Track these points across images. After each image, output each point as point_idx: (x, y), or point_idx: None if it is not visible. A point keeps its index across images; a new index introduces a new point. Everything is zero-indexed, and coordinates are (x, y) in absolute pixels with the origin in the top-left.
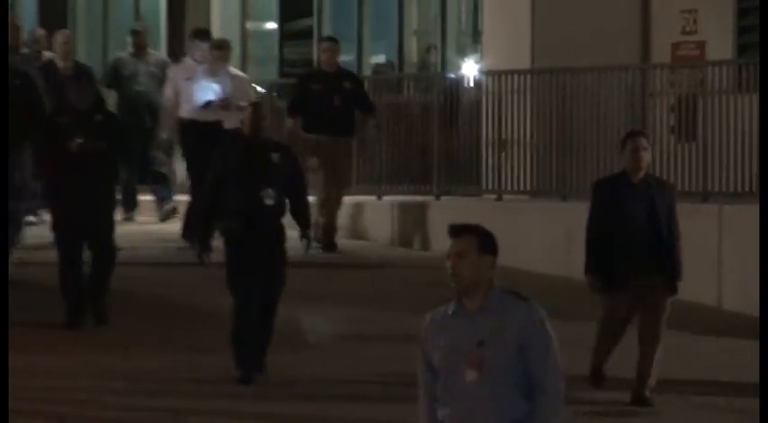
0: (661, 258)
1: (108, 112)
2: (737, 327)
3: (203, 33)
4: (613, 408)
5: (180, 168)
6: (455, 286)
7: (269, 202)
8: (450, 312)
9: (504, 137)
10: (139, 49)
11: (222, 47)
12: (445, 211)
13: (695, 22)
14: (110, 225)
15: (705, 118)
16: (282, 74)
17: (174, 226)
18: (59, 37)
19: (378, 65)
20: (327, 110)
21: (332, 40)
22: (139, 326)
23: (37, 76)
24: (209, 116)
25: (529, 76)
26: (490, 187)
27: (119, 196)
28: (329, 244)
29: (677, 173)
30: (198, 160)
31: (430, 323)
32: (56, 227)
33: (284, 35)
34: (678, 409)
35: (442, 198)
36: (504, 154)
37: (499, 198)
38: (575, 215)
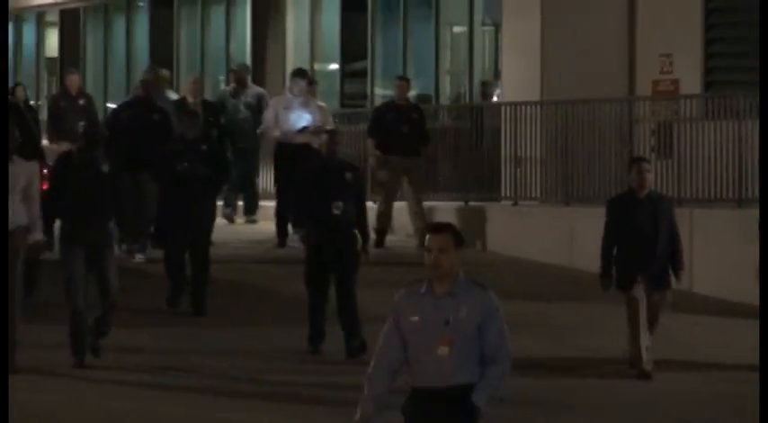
0: (663, 259)
1: (212, 143)
2: (708, 307)
3: (301, 72)
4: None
5: (263, 181)
6: (434, 274)
7: (337, 211)
8: (421, 293)
9: (519, 154)
10: (239, 85)
11: (313, 83)
12: (476, 216)
13: (671, 64)
14: (207, 233)
15: (679, 140)
16: (343, 105)
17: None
18: (190, 78)
19: (418, 98)
20: (397, 135)
21: (403, 78)
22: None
23: (172, 112)
24: (301, 139)
25: (539, 107)
26: (508, 195)
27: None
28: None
29: (657, 183)
30: (287, 175)
31: (404, 298)
32: (164, 235)
33: (344, 74)
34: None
35: (470, 203)
36: (518, 168)
37: (515, 203)
38: (575, 217)
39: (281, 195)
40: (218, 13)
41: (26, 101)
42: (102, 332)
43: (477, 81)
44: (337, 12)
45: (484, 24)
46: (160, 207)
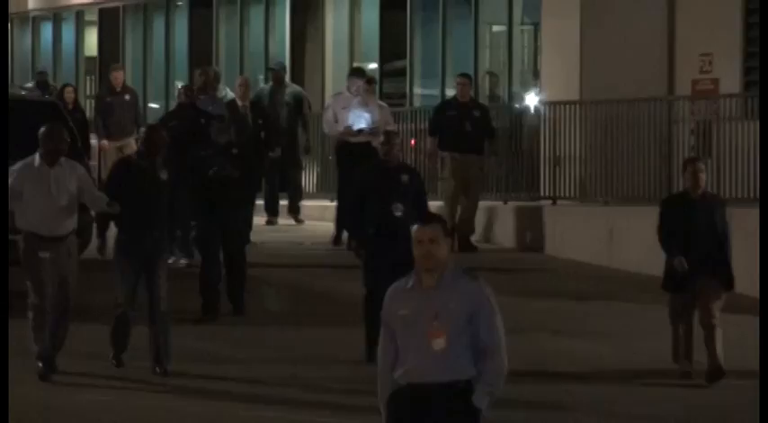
0: (718, 259)
1: (241, 147)
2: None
3: (359, 71)
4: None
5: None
6: (427, 265)
7: (398, 213)
8: (409, 286)
9: (557, 154)
10: (277, 83)
11: (372, 82)
12: (517, 214)
13: (711, 63)
14: (242, 235)
15: (719, 139)
16: None
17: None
18: (238, 80)
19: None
20: (459, 133)
21: (465, 76)
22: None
23: (224, 115)
24: (360, 138)
25: (578, 106)
26: (547, 194)
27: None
28: (467, 245)
29: None
30: (348, 174)
31: (392, 296)
32: (199, 238)
33: (383, 73)
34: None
35: (509, 203)
36: (557, 167)
37: (554, 203)
38: (614, 216)
39: (341, 197)
40: (257, 13)
41: (75, 101)
42: (158, 347)
43: (516, 80)
44: (376, 11)
45: (523, 23)
46: (194, 212)
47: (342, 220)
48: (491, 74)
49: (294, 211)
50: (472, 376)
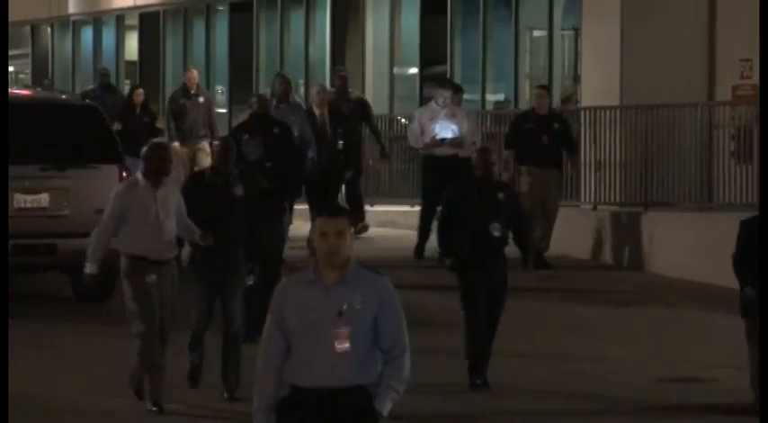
0: None
1: (276, 160)
2: None
3: (445, 81)
4: None
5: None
6: (332, 261)
7: (496, 233)
8: (307, 283)
9: (598, 159)
10: (342, 91)
11: (459, 92)
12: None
13: (751, 68)
14: (277, 250)
15: (759, 145)
16: None
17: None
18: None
19: (497, 102)
20: (537, 146)
21: (543, 87)
22: None
23: (304, 123)
24: (446, 151)
25: (618, 111)
26: (587, 199)
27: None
28: (541, 262)
29: (738, 188)
30: (432, 186)
31: (287, 291)
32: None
33: (423, 78)
34: None
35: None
36: (598, 173)
37: (594, 208)
38: (654, 222)
39: (424, 209)
40: (297, 17)
41: (144, 103)
42: (228, 371)
43: (557, 85)
44: (417, 15)
45: (563, 28)
46: None
47: (422, 229)
48: (531, 78)
49: (357, 219)
50: (375, 380)
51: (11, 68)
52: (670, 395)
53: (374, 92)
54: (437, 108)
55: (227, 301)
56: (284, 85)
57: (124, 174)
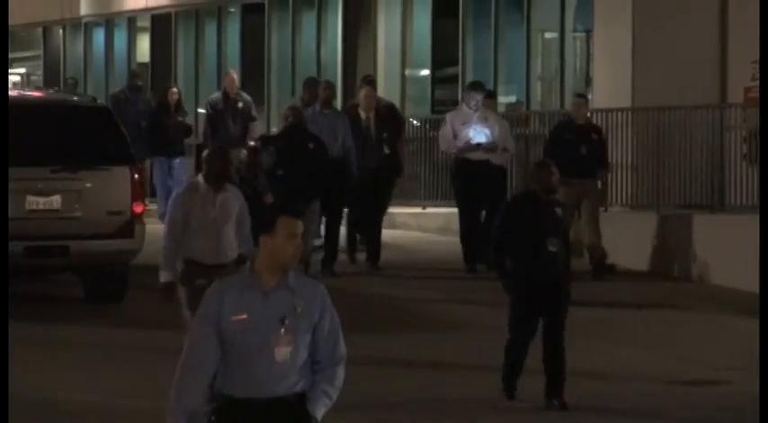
0: None
1: (292, 170)
2: None
3: (477, 85)
4: None
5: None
6: (290, 266)
7: (552, 248)
8: (246, 286)
9: (609, 161)
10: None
11: (491, 97)
12: None
13: None
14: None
15: (760, 145)
16: (434, 111)
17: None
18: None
19: (509, 104)
20: (575, 158)
21: (581, 96)
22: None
23: (347, 131)
24: (479, 155)
25: (630, 113)
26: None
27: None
28: (604, 268)
29: (750, 190)
30: (467, 193)
31: (223, 293)
32: None
33: (435, 80)
34: None
35: None
36: (609, 175)
37: (605, 210)
38: (666, 223)
39: (463, 216)
40: (308, 19)
41: (178, 103)
42: None
43: (568, 87)
44: (428, 17)
45: (575, 30)
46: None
47: (469, 239)
48: (543, 79)
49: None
50: (308, 387)
51: (22, 70)
52: (683, 398)
53: (386, 94)
54: (469, 112)
55: None
56: (328, 91)
57: (136, 175)
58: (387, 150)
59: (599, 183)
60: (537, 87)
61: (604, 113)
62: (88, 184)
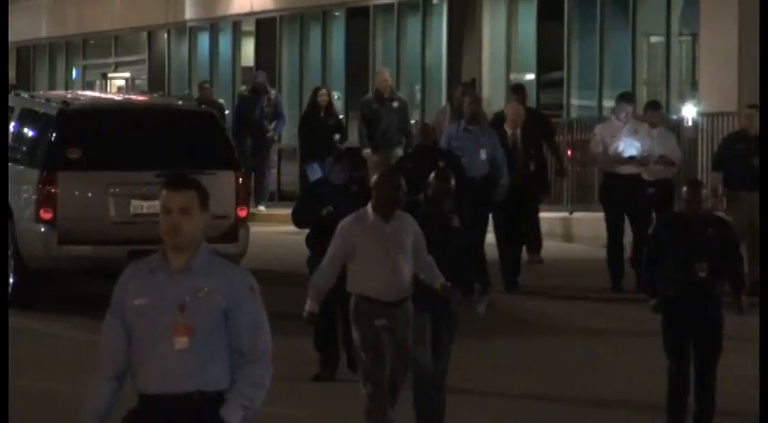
0: None
1: (363, 185)
2: None
3: (627, 96)
4: None
5: None
6: (173, 242)
7: (702, 274)
8: (152, 267)
9: None
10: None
11: (657, 108)
12: None
13: None
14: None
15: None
16: None
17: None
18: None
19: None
20: (746, 168)
21: (754, 106)
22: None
23: (495, 146)
24: (630, 169)
25: (736, 118)
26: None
27: None
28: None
29: None
30: (616, 208)
31: (130, 277)
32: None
33: (540, 84)
34: None
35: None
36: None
37: None
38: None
39: (611, 232)
40: (413, 24)
41: (329, 105)
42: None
43: (673, 91)
44: (533, 22)
45: (681, 34)
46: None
47: (616, 256)
48: (648, 84)
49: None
50: (226, 387)
51: (127, 74)
52: None
53: (491, 98)
54: (618, 124)
55: (441, 342)
56: (473, 106)
57: (240, 180)
58: (533, 167)
59: None
60: (642, 91)
61: (710, 117)
62: None
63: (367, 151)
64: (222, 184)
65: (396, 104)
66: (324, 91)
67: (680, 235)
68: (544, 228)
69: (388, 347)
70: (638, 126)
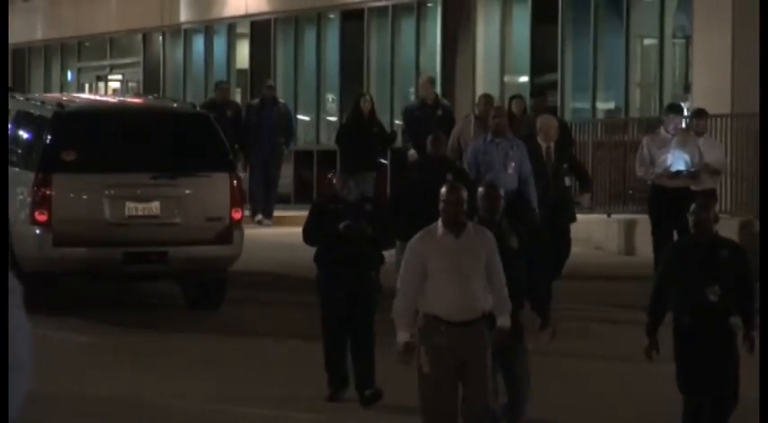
0: None
1: (377, 204)
2: None
3: (676, 108)
4: None
5: None
6: None
7: (713, 298)
8: None
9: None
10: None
11: (702, 116)
12: None
13: None
14: (370, 303)
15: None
16: None
17: None
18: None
19: (608, 111)
20: None
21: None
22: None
23: (524, 160)
24: (678, 182)
25: (729, 119)
26: None
27: None
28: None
29: None
30: (665, 223)
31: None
32: (323, 297)
33: (534, 86)
34: None
35: None
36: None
37: None
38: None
39: (657, 246)
40: (408, 26)
41: (372, 112)
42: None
43: (667, 94)
44: (527, 24)
45: (674, 37)
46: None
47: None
48: (642, 86)
49: None
50: None
51: (120, 76)
52: None
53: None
54: (667, 136)
55: (513, 372)
56: (497, 120)
57: (235, 182)
58: (567, 183)
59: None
60: (636, 94)
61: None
62: (187, 191)
63: (412, 152)
64: (217, 186)
65: (440, 112)
66: (367, 97)
67: (692, 256)
68: None
69: (457, 376)
70: (686, 137)
